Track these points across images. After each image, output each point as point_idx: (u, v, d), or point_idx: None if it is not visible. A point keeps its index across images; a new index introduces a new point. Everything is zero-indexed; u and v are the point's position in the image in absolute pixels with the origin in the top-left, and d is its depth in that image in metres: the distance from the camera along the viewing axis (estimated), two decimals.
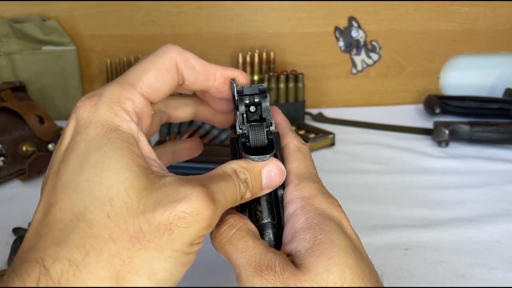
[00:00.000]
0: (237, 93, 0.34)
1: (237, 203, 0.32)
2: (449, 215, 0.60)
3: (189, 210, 0.28)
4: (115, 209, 0.26)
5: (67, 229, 0.26)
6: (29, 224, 0.29)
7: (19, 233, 0.60)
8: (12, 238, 0.60)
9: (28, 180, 0.71)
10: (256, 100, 0.34)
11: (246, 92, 0.34)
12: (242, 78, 0.35)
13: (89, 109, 0.29)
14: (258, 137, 0.33)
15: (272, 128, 0.33)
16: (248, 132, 0.33)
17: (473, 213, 0.60)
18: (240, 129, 0.33)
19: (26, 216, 0.62)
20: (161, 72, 0.31)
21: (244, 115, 0.33)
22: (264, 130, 0.33)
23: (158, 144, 0.78)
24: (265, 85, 0.35)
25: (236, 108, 0.34)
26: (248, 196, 0.33)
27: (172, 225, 0.27)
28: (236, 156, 0.36)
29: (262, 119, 0.34)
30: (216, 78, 0.34)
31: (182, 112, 0.39)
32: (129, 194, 0.27)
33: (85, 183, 0.27)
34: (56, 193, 0.28)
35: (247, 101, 0.34)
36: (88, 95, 0.30)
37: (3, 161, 0.69)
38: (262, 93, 0.34)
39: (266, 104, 0.34)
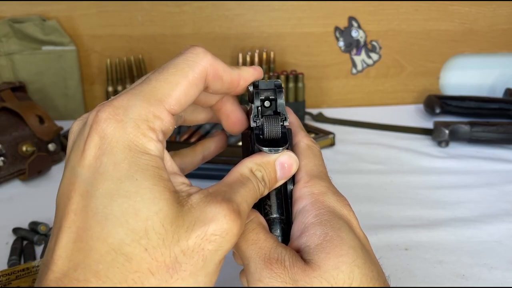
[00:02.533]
0: (253, 87, 0.34)
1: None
2: (449, 215, 0.60)
3: (219, 232, 0.28)
4: (152, 242, 0.26)
5: (105, 261, 0.25)
6: (47, 237, 0.29)
7: (19, 233, 0.60)
8: (12, 238, 0.60)
9: (28, 180, 0.71)
10: (271, 96, 0.34)
11: (261, 87, 0.34)
12: (258, 75, 0.35)
13: (115, 125, 0.27)
14: (272, 128, 0.33)
15: (286, 123, 0.33)
16: (263, 124, 0.33)
17: (473, 213, 0.60)
18: (254, 122, 0.33)
19: (26, 216, 0.62)
20: (192, 87, 0.29)
21: (259, 108, 0.33)
22: (279, 122, 0.33)
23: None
24: (280, 80, 0.35)
25: (252, 101, 0.34)
26: (266, 193, 0.33)
27: (205, 250, 0.27)
28: (248, 151, 0.36)
29: (276, 114, 0.34)
30: (239, 85, 0.33)
31: (198, 116, 0.38)
32: (164, 225, 0.26)
33: (119, 213, 0.26)
34: (85, 218, 0.26)
35: (262, 97, 0.34)
36: (112, 105, 0.28)
37: (3, 161, 0.69)
38: (278, 88, 0.34)
39: (281, 98, 0.34)
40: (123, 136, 0.27)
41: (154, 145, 0.28)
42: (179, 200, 0.28)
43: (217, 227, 0.28)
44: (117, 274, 0.25)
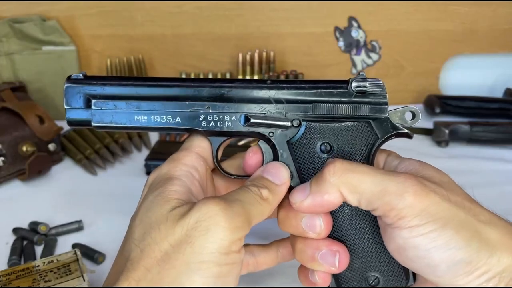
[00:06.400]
0: None
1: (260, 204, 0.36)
2: None
3: (202, 217, 0.32)
4: (145, 243, 0.32)
5: (120, 268, 0.33)
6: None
7: (19, 233, 0.60)
8: (12, 238, 0.60)
9: (28, 180, 0.71)
10: None
11: None
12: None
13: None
14: None
15: None
16: None
17: None
18: None
19: (26, 216, 0.62)
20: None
21: None
22: None
23: (159, 144, 0.78)
24: None
25: None
26: (266, 194, 0.37)
27: (191, 237, 0.31)
28: None
29: None
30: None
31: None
32: (159, 226, 0.32)
33: (131, 229, 0.34)
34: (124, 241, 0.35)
35: None
36: None
37: (3, 161, 0.69)
38: None
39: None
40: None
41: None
42: (179, 207, 0.34)
43: (198, 213, 0.32)
44: (123, 278, 0.32)
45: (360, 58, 0.98)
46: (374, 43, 0.97)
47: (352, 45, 0.97)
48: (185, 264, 0.30)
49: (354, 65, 0.98)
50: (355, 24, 0.95)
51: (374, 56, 0.98)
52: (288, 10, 0.92)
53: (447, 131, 0.79)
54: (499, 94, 0.98)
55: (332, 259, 0.38)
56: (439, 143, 0.80)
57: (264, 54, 0.91)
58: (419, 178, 0.36)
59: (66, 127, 0.80)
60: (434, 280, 0.35)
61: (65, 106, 0.42)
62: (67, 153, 0.78)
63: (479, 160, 0.75)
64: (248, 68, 0.91)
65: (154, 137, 0.84)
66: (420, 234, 0.34)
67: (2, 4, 0.87)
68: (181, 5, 0.90)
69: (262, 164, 0.41)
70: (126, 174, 0.74)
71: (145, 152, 0.80)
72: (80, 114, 0.42)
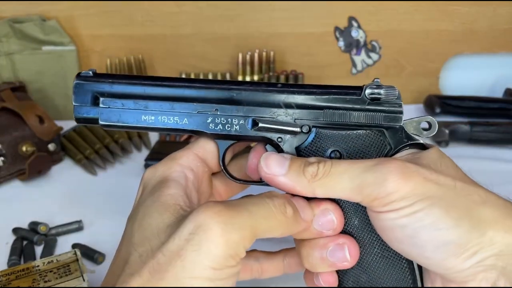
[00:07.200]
0: None
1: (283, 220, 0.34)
2: None
3: (196, 230, 0.30)
4: (143, 249, 0.31)
5: (118, 270, 0.32)
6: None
7: (19, 233, 0.60)
8: (12, 238, 0.60)
9: (28, 180, 0.71)
10: None
11: None
12: None
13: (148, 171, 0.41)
14: None
15: None
16: None
17: None
18: None
19: (26, 216, 0.62)
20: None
21: None
22: None
23: (159, 144, 0.78)
24: None
25: None
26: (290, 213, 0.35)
27: (183, 250, 0.29)
28: None
29: None
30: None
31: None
32: (159, 235, 0.31)
33: (130, 232, 0.34)
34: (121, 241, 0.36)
35: None
36: None
37: (3, 161, 0.69)
38: None
39: None
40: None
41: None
42: (177, 213, 0.33)
43: (191, 224, 0.30)
44: (120, 279, 0.32)
45: (360, 58, 0.98)
46: (374, 43, 0.97)
47: (352, 45, 0.97)
48: (175, 278, 0.29)
49: (354, 65, 0.98)
50: (355, 24, 0.95)
51: (374, 56, 0.98)
52: (288, 10, 0.92)
53: (447, 131, 0.79)
54: (499, 94, 0.98)
55: (342, 253, 0.36)
56: (439, 143, 0.80)
57: (264, 54, 0.91)
58: (400, 161, 0.35)
59: (66, 127, 0.80)
60: (423, 262, 0.34)
61: (74, 103, 0.41)
62: (67, 153, 0.78)
63: (479, 160, 0.75)
64: (248, 68, 0.91)
65: (154, 137, 0.84)
66: (407, 214, 0.33)
67: (2, 4, 0.87)
68: (181, 5, 0.90)
69: None
70: (126, 174, 0.74)
71: (145, 152, 0.80)
72: (88, 112, 0.41)
